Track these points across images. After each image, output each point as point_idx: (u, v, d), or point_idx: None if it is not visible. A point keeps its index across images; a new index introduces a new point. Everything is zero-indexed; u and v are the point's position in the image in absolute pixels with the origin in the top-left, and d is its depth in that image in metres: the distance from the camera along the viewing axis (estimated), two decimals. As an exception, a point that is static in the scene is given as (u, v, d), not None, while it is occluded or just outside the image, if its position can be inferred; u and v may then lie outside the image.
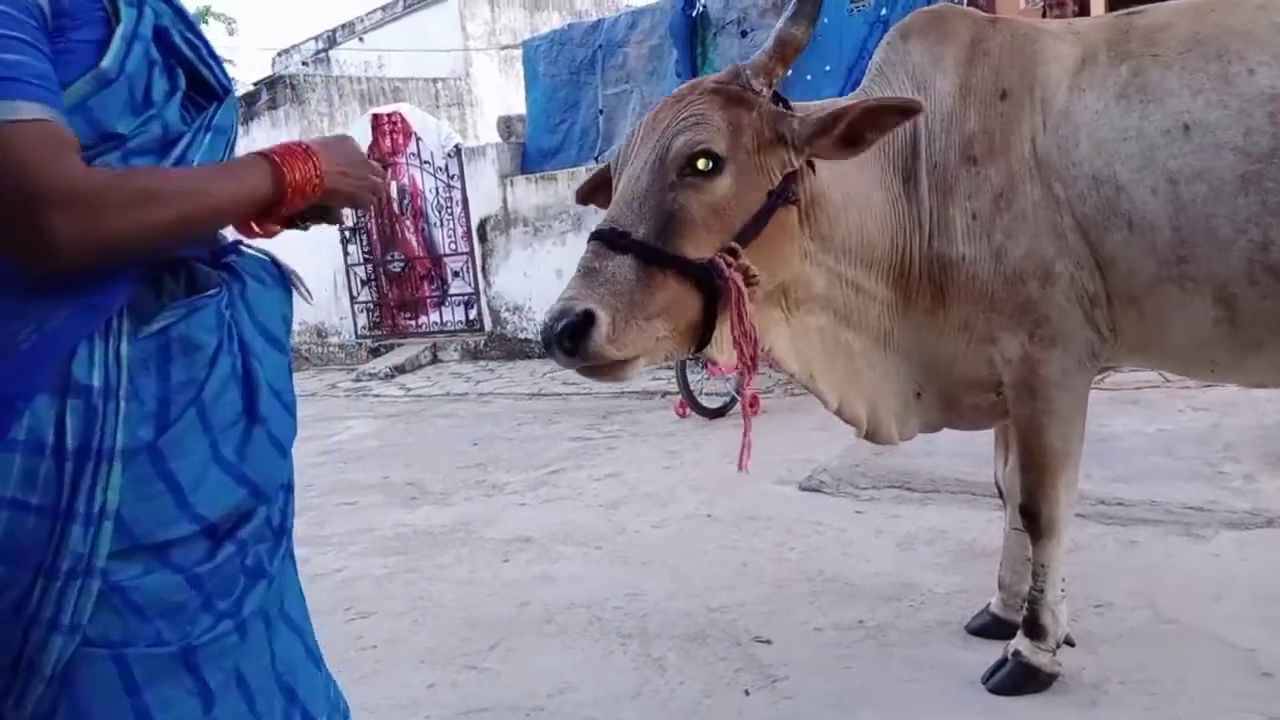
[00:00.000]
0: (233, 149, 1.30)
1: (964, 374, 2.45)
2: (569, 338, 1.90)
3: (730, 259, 2.01)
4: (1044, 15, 5.95)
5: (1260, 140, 2.04)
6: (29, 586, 1.06)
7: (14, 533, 1.05)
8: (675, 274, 1.99)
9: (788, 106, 2.17)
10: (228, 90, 1.28)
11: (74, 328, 1.08)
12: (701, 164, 2.02)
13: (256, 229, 1.30)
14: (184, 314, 1.16)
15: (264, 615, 1.25)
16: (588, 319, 1.90)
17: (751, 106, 2.08)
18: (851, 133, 2.06)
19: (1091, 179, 2.19)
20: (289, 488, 1.32)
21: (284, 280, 1.32)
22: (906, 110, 2.04)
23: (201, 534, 1.17)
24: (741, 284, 2.00)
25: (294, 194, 1.24)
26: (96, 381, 1.08)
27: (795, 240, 2.19)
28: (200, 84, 1.25)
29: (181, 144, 1.19)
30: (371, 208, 1.51)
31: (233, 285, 1.23)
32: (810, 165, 2.17)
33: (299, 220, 1.32)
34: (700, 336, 2.07)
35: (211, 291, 1.20)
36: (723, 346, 2.10)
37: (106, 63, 1.13)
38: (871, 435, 2.48)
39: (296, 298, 1.37)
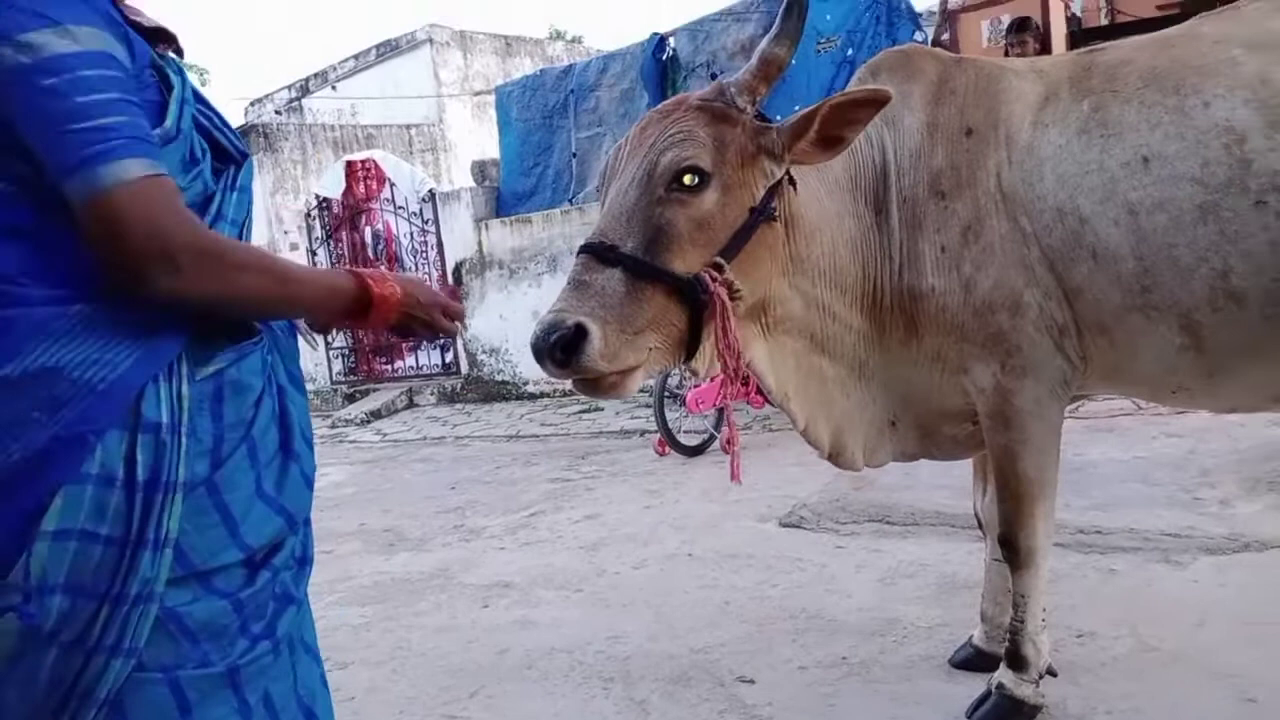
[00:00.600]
0: (251, 206, 1.42)
1: (940, 404, 2.47)
2: (561, 350, 1.91)
3: (715, 274, 2.04)
4: (1006, 54, 6.07)
5: (1217, 171, 2.08)
6: (93, 615, 1.13)
7: (81, 563, 1.13)
8: (662, 287, 2.02)
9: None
10: (245, 154, 1.41)
11: (142, 370, 1.18)
12: (688, 179, 2.05)
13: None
14: (235, 359, 1.28)
15: (289, 640, 1.34)
16: (580, 332, 1.92)
17: (735, 123, 2.12)
18: (826, 131, 2.10)
19: (1056, 212, 2.23)
20: (309, 521, 1.42)
21: (293, 330, 1.46)
22: (875, 101, 2.05)
23: (242, 563, 1.27)
24: (726, 298, 2.04)
25: (379, 306, 1.38)
26: (165, 418, 1.18)
27: (776, 257, 2.22)
28: (218, 150, 1.38)
29: (216, 201, 1.32)
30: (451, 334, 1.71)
31: (267, 334, 1.35)
32: (792, 183, 2.21)
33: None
34: (687, 349, 2.09)
35: (255, 339, 1.32)
36: (706, 359, 2.13)
37: (169, 123, 1.26)
38: (834, 459, 2.51)
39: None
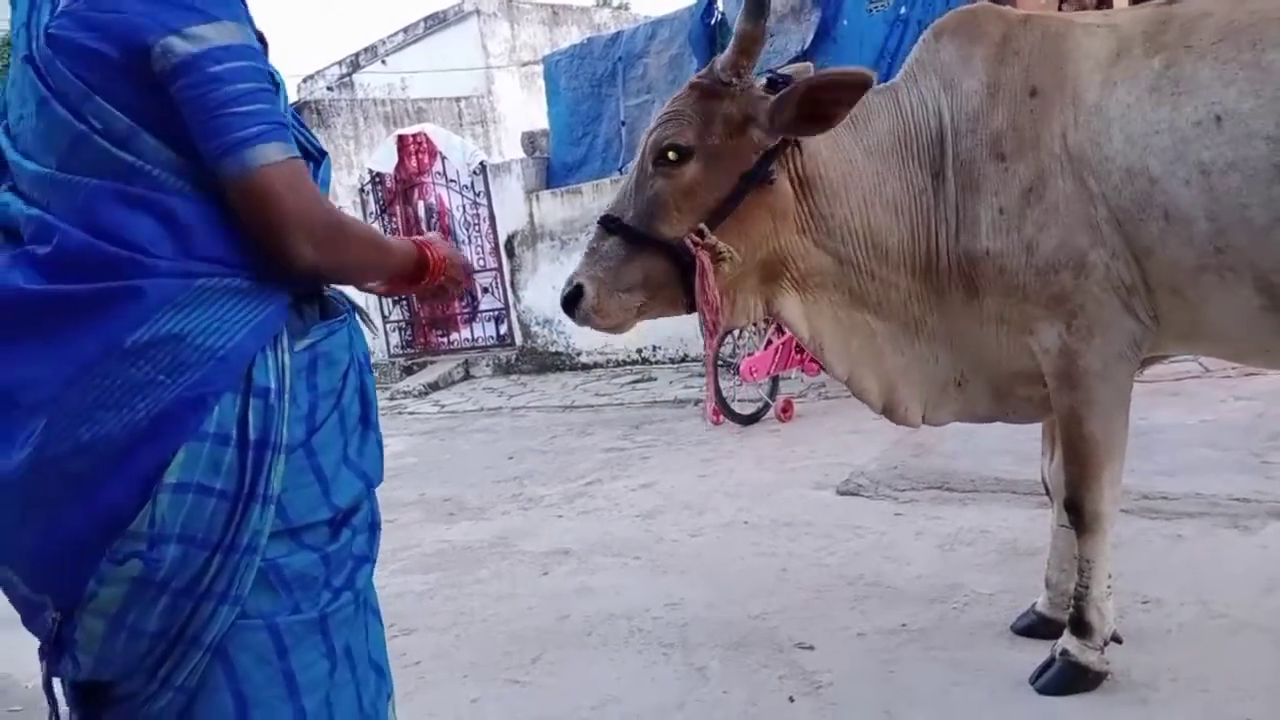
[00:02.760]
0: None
1: (1010, 365, 2.45)
2: (565, 304, 2.39)
3: (697, 238, 2.28)
4: (1059, 8, 5.88)
5: None
6: (204, 564, 1.23)
7: (195, 514, 1.22)
8: (652, 251, 2.34)
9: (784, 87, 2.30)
10: (323, 153, 1.53)
11: (255, 339, 1.29)
12: (671, 155, 2.31)
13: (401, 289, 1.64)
14: (326, 334, 1.40)
15: (365, 598, 1.45)
16: (578, 291, 2.36)
17: (722, 97, 2.31)
18: (805, 110, 2.21)
19: (1125, 172, 2.18)
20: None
21: (418, 298, 1.70)
22: (854, 83, 2.16)
23: (329, 521, 1.37)
24: (706, 259, 2.28)
25: (434, 270, 1.54)
26: (273, 384, 1.29)
27: (782, 216, 2.37)
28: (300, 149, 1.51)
29: None
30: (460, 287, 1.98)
31: (349, 314, 1.48)
32: (798, 146, 2.33)
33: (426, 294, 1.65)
34: (688, 303, 2.37)
35: (342, 316, 1.45)
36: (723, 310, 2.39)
37: (286, 117, 1.37)
38: (887, 413, 2.58)
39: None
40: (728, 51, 2.30)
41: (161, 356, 1.23)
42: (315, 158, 1.49)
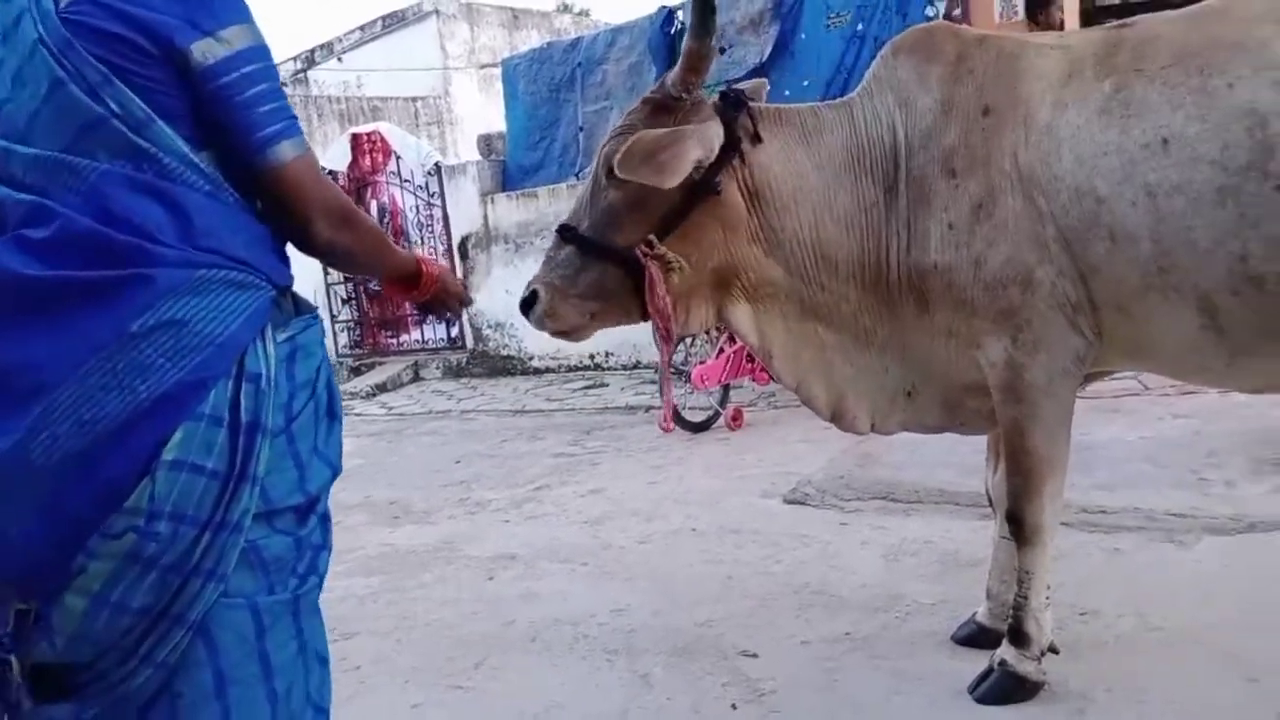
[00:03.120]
0: None
1: (960, 378, 2.49)
2: (521, 308, 2.49)
3: (646, 248, 2.36)
4: (1030, 29, 5.98)
5: (1238, 154, 2.05)
6: (194, 541, 1.28)
7: (186, 493, 1.27)
8: (604, 260, 2.43)
9: (743, 106, 2.45)
10: None
11: (249, 328, 1.35)
12: None
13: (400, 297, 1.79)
14: (304, 326, 1.48)
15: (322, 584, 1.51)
16: (533, 296, 2.47)
17: (673, 111, 2.40)
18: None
19: (1074, 192, 2.22)
20: None
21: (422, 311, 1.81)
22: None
23: (299, 507, 1.44)
24: (656, 269, 2.36)
25: (426, 283, 1.70)
26: (263, 371, 1.36)
27: (732, 227, 2.44)
28: None
29: None
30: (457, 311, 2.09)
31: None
32: (741, 159, 2.42)
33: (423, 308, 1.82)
34: (641, 311, 2.45)
35: (315, 312, 1.53)
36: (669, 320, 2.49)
37: None
38: (835, 420, 2.64)
39: None
40: (676, 69, 2.38)
41: (165, 341, 1.28)
42: None
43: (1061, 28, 6.10)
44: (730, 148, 2.40)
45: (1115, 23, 2.40)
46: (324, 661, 1.53)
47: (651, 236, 2.37)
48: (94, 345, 1.25)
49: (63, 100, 1.29)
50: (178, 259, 1.31)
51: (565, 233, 2.48)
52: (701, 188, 2.38)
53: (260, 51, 1.40)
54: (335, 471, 1.52)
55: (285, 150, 1.39)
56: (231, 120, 1.36)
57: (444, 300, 1.77)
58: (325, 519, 1.54)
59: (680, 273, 2.38)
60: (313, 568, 1.48)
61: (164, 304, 1.29)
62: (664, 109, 2.40)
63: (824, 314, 2.54)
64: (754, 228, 2.46)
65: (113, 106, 1.30)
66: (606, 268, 2.43)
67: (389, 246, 1.62)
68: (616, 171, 2.32)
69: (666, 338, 2.45)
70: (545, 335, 2.56)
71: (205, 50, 1.33)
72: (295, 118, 1.43)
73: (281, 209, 1.42)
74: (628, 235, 2.39)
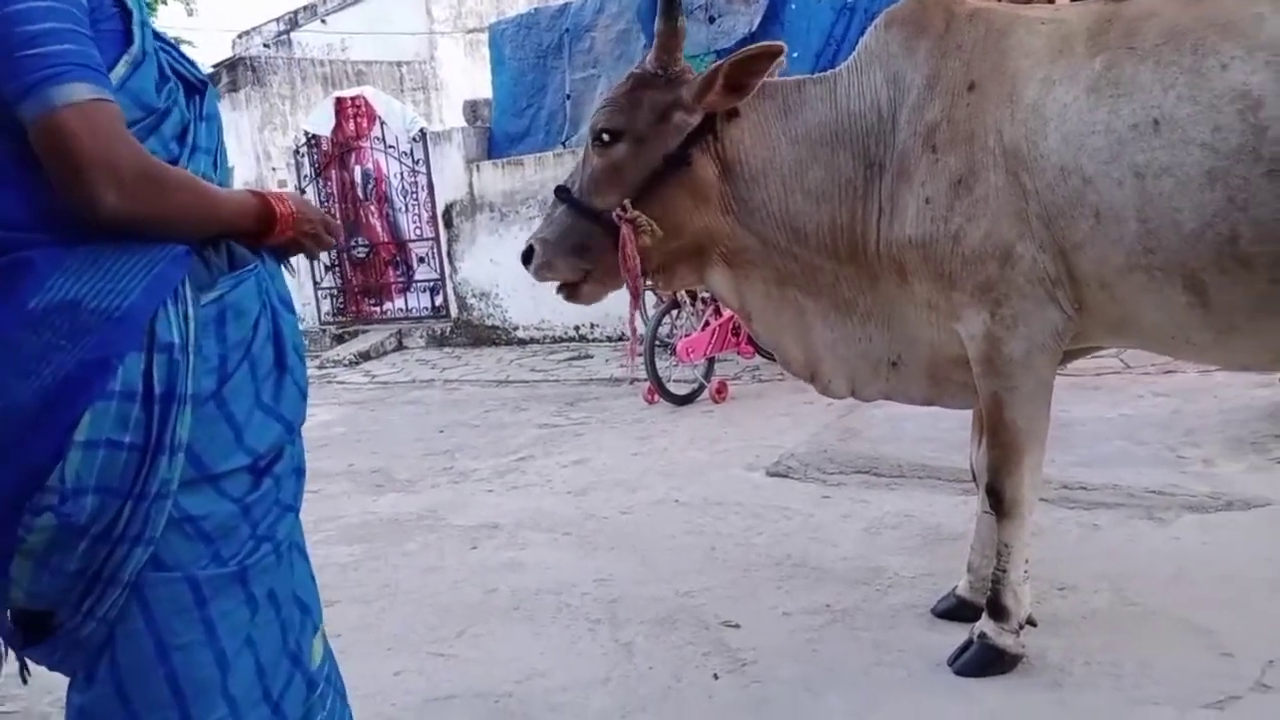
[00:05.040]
0: (222, 133, 1.55)
1: (944, 350, 2.51)
2: (522, 260, 2.67)
3: (621, 211, 2.50)
4: None
5: (1229, 137, 2.04)
6: (119, 510, 1.28)
7: (109, 467, 1.27)
8: (589, 220, 2.59)
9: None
10: (205, 83, 1.52)
11: (151, 297, 1.30)
12: (605, 137, 2.57)
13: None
14: (233, 285, 1.41)
15: (288, 544, 1.50)
16: (530, 250, 2.65)
17: (653, 85, 2.54)
18: (732, 82, 2.45)
19: (1059, 170, 2.21)
20: (300, 434, 1.55)
21: (277, 257, 1.58)
22: (770, 54, 2.44)
23: (248, 468, 1.41)
24: (628, 231, 2.49)
25: (282, 223, 1.50)
26: (176, 339, 1.31)
27: (705, 197, 2.55)
28: (180, 79, 1.47)
29: (190, 131, 1.44)
30: (326, 248, 1.92)
31: (259, 262, 1.48)
32: (714, 129, 2.51)
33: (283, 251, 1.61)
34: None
35: (251, 266, 1.45)
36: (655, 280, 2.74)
37: (135, 46, 1.35)
38: (812, 382, 2.77)
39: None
40: (651, 50, 2.55)
41: (61, 322, 1.25)
42: (199, 89, 1.49)
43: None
44: (706, 122, 2.51)
45: None
46: (306, 610, 1.55)
47: (627, 201, 2.50)
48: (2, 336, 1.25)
49: None
50: (53, 240, 1.27)
51: (561, 193, 2.65)
52: (675, 158, 2.51)
53: None
54: (289, 425, 1.47)
55: (52, 95, 1.19)
56: None
57: (303, 240, 1.57)
58: (297, 474, 1.52)
59: (652, 235, 2.51)
60: (270, 533, 1.44)
61: (52, 285, 1.25)
62: (645, 83, 2.55)
63: (801, 282, 2.64)
64: (726, 198, 2.56)
65: None
66: (591, 228, 2.58)
67: (215, 202, 1.40)
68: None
69: (635, 293, 2.60)
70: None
71: None
72: (81, 64, 1.23)
73: (51, 170, 1.23)
74: (606, 198, 2.55)
